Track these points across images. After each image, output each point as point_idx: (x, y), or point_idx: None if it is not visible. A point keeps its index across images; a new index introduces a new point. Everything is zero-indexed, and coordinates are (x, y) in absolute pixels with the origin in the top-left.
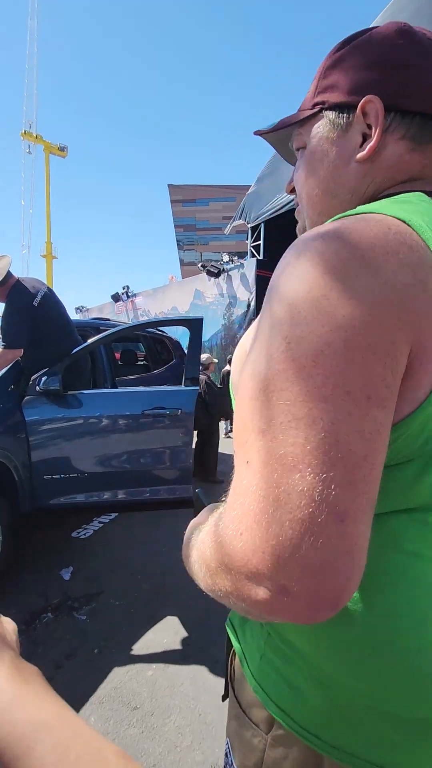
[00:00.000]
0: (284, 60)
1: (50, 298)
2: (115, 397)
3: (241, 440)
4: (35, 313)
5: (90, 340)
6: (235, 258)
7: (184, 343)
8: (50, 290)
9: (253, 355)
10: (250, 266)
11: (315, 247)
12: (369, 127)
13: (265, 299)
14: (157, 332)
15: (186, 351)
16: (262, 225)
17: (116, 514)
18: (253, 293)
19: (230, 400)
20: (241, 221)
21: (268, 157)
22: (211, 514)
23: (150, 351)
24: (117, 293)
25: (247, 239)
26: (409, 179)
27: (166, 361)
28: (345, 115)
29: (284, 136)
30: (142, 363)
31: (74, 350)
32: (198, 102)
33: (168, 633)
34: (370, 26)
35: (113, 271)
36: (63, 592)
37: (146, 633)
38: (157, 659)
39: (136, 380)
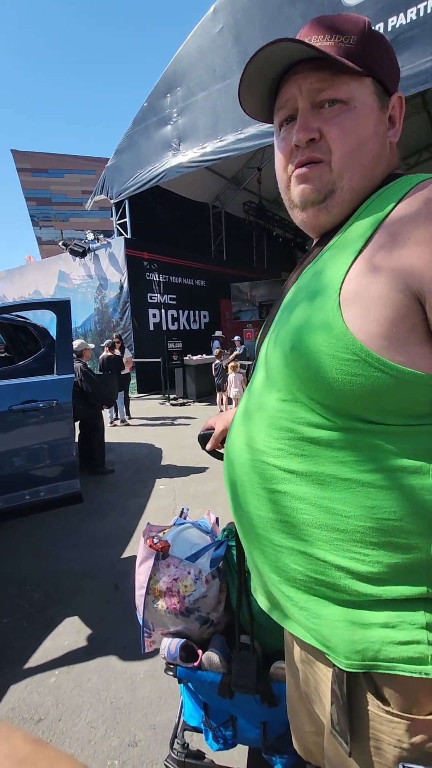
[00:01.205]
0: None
1: None
2: None
3: None
4: None
5: None
6: (101, 236)
7: (53, 331)
8: None
9: None
10: (118, 245)
11: None
12: (395, 115)
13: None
14: (19, 318)
15: (55, 338)
16: (127, 201)
17: None
18: (125, 274)
19: (111, 387)
20: (102, 196)
21: (124, 129)
22: None
23: (12, 340)
24: None
25: (111, 216)
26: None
27: (32, 351)
28: (386, 96)
29: (272, 69)
30: (2, 355)
31: None
32: (48, 61)
33: (69, 635)
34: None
35: None
36: None
37: (43, 642)
38: (59, 663)
39: None
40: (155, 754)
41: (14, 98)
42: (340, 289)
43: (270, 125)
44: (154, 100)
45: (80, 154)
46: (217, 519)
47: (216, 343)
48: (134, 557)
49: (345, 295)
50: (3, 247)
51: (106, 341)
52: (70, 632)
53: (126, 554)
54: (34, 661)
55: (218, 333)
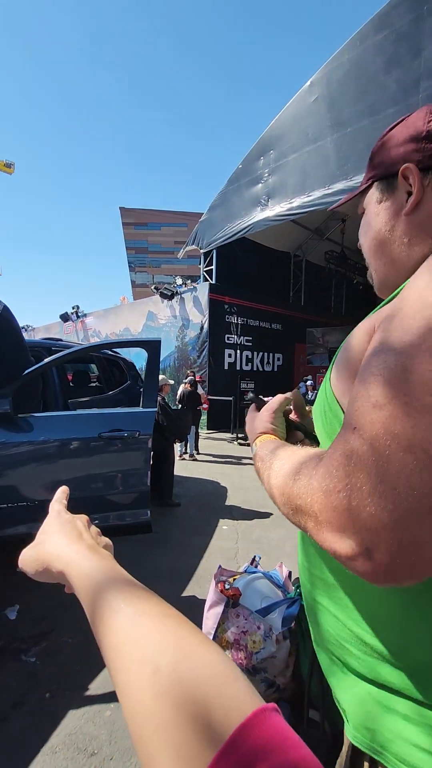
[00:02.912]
0: (241, 92)
1: (6, 315)
2: (71, 419)
3: (352, 408)
4: None
5: (45, 360)
6: (189, 281)
7: (137, 365)
8: (6, 307)
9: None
10: (203, 290)
11: None
12: (411, 186)
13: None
14: (111, 353)
15: (141, 372)
16: (215, 251)
17: None
18: (206, 316)
19: (185, 421)
20: (194, 246)
21: (219, 188)
22: (295, 451)
23: (104, 372)
24: (66, 313)
25: (199, 264)
26: None
27: (119, 382)
28: (391, 182)
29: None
30: (94, 384)
31: (26, 371)
32: (153, 127)
33: None
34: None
35: (61, 290)
36: (8, 634)
37: (103, 670)
38: (115, 699)
39: (89, 402)
40: None
41: (124, 156)
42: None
43: (359, 179)
44: (248, 162)
45: (172, 208)
46: (290, 573)
47: (302, 386)
48: (194, 596)
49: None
50: (101, 288)
51: (188, 378)
52: None
53: (186, 593)
54: (93, 689)
55: (309, 378)
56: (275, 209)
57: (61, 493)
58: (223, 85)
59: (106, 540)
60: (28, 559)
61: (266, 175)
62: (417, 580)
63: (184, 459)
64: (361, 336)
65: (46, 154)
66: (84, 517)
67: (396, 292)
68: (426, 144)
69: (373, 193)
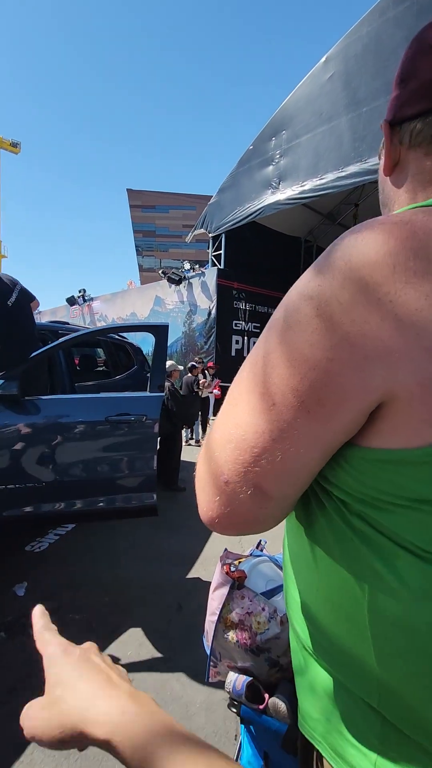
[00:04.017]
0: (250, 74)
1: (24, 296)
2: (78, 402)
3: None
4: (9, 312)
5: (53, 343)
6: (197, 266)
7: (144, 350)
8: (23, 289)
9: None
10: (211, 275)
11: None
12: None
13: None
14: (118, 338)
15: (148, 357)
16: (223, 235)
17: (72, 525)
18: (214, 301)
19: (194, 407)
20: (202, 230)
21: (229, 170)
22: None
23: (110, 356)
24: (73, 296)
25: (208, 248)
26: None
27: (126, 367)
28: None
29: None
30: (101, 369)
31: (32, 354)
32: (159, 108)
33: (132, 645)
34: None
35: (67, 273)
36: (17, 610)
37: (109, 647)
38: None
39: (96, 386)
40: None
41: (130, 138)
42: None
43: (374, 162)
44: (259, 143)
45: (181, 191)
46: None
47: None
48: (198, 579)
49: None
50: (108, 272)
51: (190, 364)
52: (134, 644)
53: (191, 575)
54: None
55: None
56: (286, 192)
57: (41, 615)
58: (236, 63)
59: (123, 669)
60: (43, 725)
61: (278, 156)
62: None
63: (190, 444)
64: None
65: (52, 135)
66: (94, 646)
67: None
68: (400, 89)
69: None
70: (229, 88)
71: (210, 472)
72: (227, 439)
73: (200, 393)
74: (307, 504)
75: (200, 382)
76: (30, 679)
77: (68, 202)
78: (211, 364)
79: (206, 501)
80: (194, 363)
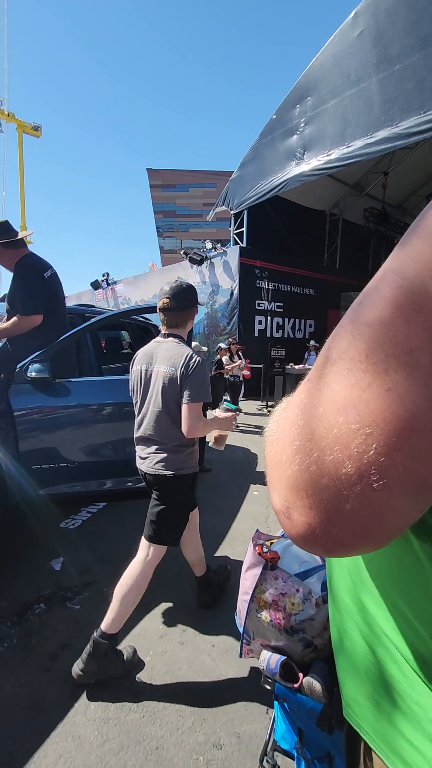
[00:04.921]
0: (269, 48)
1: (56, 276)
2: (107, 384)
3: (319, 360)
4: (45, 285)
5: (81, 326)
6: (218, 245)
7: None
8: (54, 273)
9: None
10: (233, 254)
11: None
12: None
13: None
14: (142, 319)
15: None
16: (246, 212)
17: (104, 503)
18: (237, 281)
19: (219, 388)
20: (223, 207)
21: (250, 142)
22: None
23: (135, 338)
24: (97, 281)
25: (229, 226)
26: None
27: None
28: None
29: None
30: (126, 351)
31: (61, 337)
32: (178, 83)
33: (164, 619)
34: None
35: (91, 258)
36: (54, 583)
37: (142, 620)
38: (154, 645)
39: (122, 368)
40: (239, 764)
41: (149, 112)
42: None
43: (406, 125)
44: (283, 111)
45: (202, 168)
46: None
47: (311, 355)
48: (226, 557)
49: None
50: (131, 255)
51: (218, 346)
52: (166, 617)
53: (219, 553)
54: (133, 636)
55: (313, 343)
56: (311, 163)
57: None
58: (259, 31)
59: None
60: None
61: (302, 125)
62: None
63: None
64: None
65: (70, 120)
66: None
67: None
68: None
69: None
70: (255, 51)
71: (335, 475)
72: (375, 421)
73: (224, 374)
74: None
75: (224, 365)
76: (66, 650)
77: (89, 187)
78: (239, 346)
79: (322, 512)
80: (222, 345)
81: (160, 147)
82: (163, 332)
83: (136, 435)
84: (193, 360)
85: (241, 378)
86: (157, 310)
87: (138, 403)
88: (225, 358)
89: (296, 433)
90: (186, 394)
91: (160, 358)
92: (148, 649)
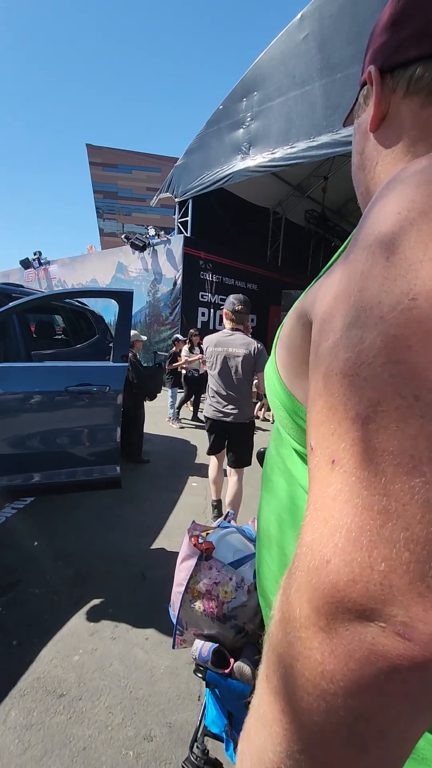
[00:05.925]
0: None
1: None
2: (36, 371)
3: (324, 431)
4: None
5: (6, 306)
6: (162, 233)
7: (106, 318)
8: None
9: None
10: (177, 243)
11: None
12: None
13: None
14: (78, 304)
15: (111, 327)
16: (191, 201)
17: (31, 498)
18: (180, 271)
19: (157, 380)
20: (168, 194)
21: (197, 129)
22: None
23: (70, 324)
24: (27, 259)
25: (173, 214)
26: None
27: (87, 335)
28: (364, 91)
29: None
30: (60, 337)
31: None
32: (125, 56)
33: (95, 616)
34: None
35: (20, 234)
36: None
37: (71, 619)
38: (84, 644)
39: (54, 355)
40: (169, 753)
41: (90, 88)
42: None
43: (345, 133)
44: (230, 103)
45: (147, 151)
46: None
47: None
48: (163, 549)
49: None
50: (68, 236)
51: (193, 336)
52: (97, 614)
53: (155, 545)
54: (61, 636)
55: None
56: (257, 159)
57: None
58: (211, 11)
59: None
60: None
61: (248, 119)
62: None
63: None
64: (293, 320)
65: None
66: None
67: (331, 261)
68: (392, 32)
69: (357, 104)
70: (206, 34)
71: None
72: None
73: (179, 369)
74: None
75: (178, 358)
76: None
77: (17, 151)
78: (198, 339)
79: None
80: (179, 336)
81: (100, 127)
82: (230, 327)
83: (216, 390)
84: (260, 346)
85: (201, 372)
86: (228, 312)
87: (218, 373)
88: (185, 350)
89: (356, 528)
90: (259, 366)
91: (237, 344)
92: (76, 648)
